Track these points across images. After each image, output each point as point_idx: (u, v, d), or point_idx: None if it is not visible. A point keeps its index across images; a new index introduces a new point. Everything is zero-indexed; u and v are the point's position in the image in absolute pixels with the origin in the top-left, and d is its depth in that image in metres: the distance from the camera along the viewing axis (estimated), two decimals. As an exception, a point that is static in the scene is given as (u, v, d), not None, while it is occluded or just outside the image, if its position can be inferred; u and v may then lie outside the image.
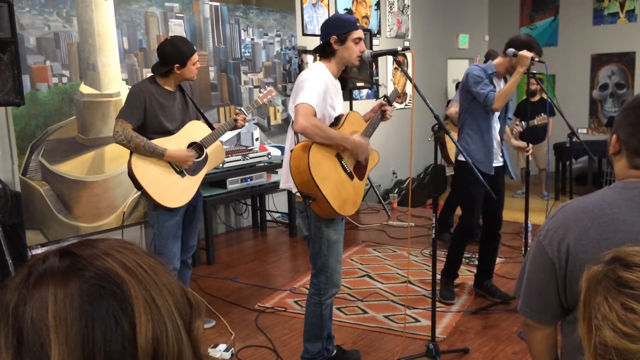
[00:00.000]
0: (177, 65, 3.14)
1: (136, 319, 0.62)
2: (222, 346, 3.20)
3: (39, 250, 4.12)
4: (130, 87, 3.74)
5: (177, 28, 5.08)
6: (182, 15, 5.11)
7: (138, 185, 3.13)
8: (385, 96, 3.06)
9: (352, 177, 2.77)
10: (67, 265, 0.64)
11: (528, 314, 1.47)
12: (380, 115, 2.97)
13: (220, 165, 4.87)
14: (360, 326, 3.50)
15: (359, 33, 2.74)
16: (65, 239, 4.36)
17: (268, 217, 5.85)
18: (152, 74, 3.24)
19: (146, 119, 3.14)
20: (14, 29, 3.36)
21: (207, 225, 4.77)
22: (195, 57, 3.19)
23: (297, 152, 2.62)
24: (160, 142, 3.15)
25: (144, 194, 3.16)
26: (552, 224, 1.39)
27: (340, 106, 2.82)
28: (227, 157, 4.99)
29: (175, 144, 3.21)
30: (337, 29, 2.72)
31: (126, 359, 0.60)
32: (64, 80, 4.36)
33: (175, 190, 3.20)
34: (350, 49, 2.72)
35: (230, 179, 4.97)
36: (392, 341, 3.29)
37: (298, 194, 2.66)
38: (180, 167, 3.23)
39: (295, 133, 2.65)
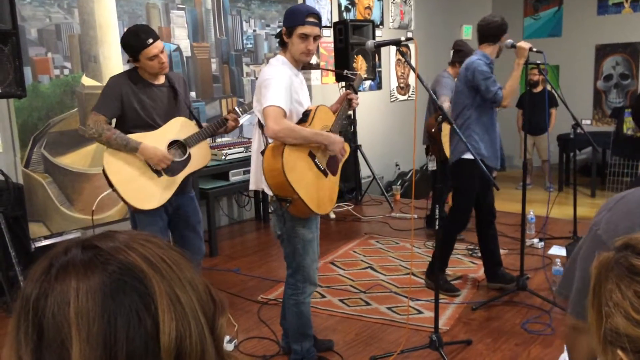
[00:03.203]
0: (131, 58, 2.90)
1: (159, 317, 0.59)
2: (225, 337, 3.20)
3: (42, 243, 4.13)
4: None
5: (179, 19, 5.06)
6: (183, 6, 5.09)
7: (110, 183, 2.88)
8: (350, 84, 2.95)
9: (326, 174, 2.69)
10: (89, 258, 0.62)
11: (581, 316, 1.28)
12: (347, 105, 2.84)
13: (223, 157, 4.86)
14: (364, 318, 3.50)
15: (305, 29, 2.54)
16: (68, 232, 4.37)
17: (270, 209, 5.84)
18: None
19: (124, 112, 2.90)
20: (15, 20, 3.35)
21: (210, 218, 4.78)
22: (152, 51, 2.84)
23: (269, 155, 2.52)
24: (138, 137, 2.88)
25: (116, 193, 2.90)
26: (612, 216, 1.22)
27: (306, 99, 2.72)
28: (229, 149, 4.98)
29: (155, 139, 2.92)
30: (287, 20, 2.59)
31: (148, 358, 0.58)
32: (66, 72, 4.35)
33: (148, 191, 2.91)
34: (295, 44, 2.57)
35: (232, 171, 4.97)
36: (395, 333, 3.29)
37: (274, 196, 2.59)
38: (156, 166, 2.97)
39: (263, 134, 2.58)
